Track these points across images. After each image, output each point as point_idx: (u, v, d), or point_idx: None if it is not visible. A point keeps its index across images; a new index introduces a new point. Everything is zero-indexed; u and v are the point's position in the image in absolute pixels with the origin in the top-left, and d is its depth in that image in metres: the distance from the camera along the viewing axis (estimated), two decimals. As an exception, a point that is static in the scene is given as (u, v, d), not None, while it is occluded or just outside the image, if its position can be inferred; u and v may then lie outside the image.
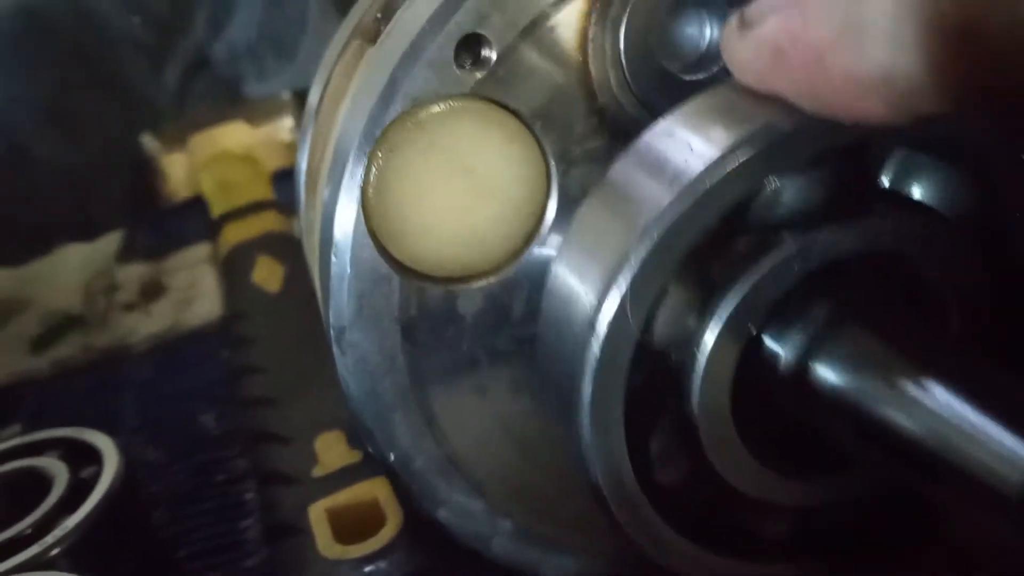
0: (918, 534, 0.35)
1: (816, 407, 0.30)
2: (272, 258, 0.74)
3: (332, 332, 0.34)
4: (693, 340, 0.30)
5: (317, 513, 0.45)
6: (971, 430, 0.26)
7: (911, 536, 0.35)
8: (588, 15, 0.34)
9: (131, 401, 0.69)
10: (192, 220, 0.94)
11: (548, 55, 0.34)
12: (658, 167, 0.30)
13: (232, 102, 1.12)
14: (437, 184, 0.33)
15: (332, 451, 0.50)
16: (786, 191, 0.29)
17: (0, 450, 0.50)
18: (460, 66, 0.33)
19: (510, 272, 0.35)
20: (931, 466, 0.27)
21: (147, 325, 0.79)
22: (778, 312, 0.30)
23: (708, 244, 0.30)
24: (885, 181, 0.32)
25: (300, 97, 1.03)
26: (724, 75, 0.31)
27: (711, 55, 0.35)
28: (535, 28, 0.33)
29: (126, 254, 0.92)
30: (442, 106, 0.33)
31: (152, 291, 0.85)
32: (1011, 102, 0.23)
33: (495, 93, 0.33)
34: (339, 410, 0.45)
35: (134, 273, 0.89)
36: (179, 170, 1.01)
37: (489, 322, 0.35)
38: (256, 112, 1.04)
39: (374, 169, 0.33)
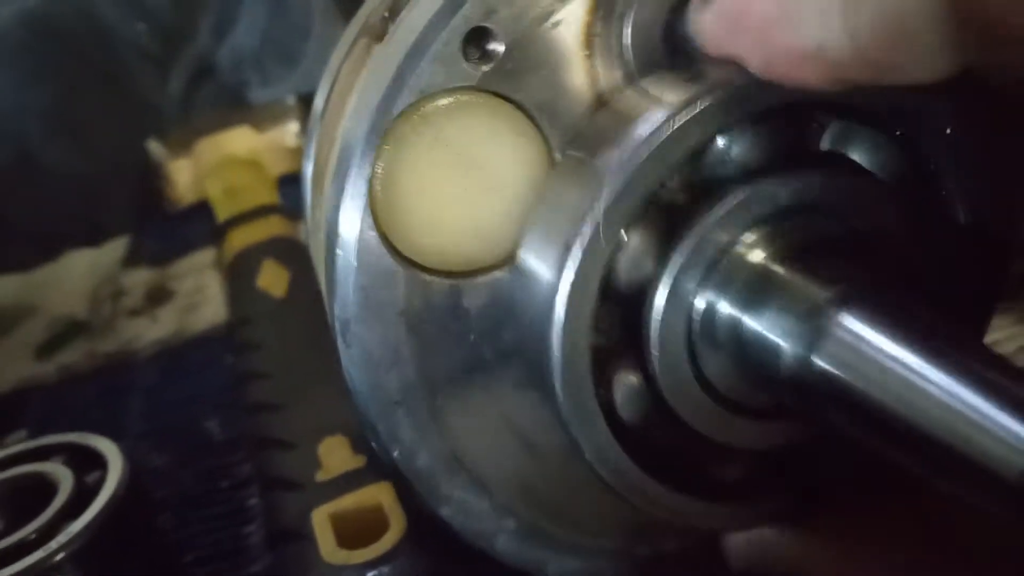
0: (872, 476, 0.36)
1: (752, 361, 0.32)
2: (277, 263, 0.74)
3: (337, 325, 0.34)
4: (651, 285, 0.32)
5: (320, 518, 0.45)
6: (962, 409, 0.26)
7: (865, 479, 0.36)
8: (594, 10, 0.34)
9: (136, 407, 0.69)
10: (198, 225, 0.94)
11: (554, 49, 0.34)
12: (629, 117, 0.32)
13: (237, 108, 1.12)
14: (443, 178, 0.33)
15: (335, 456, 0.50)
16: (735, 148, 0.32)
17: (5, 455, 0.50)
18: (467, 59, 0.33)
19: (516, 267, 0.35)
20: (898, 433, 0.28)
21: (152, 331, 0.79)
22: (723, 262, 0.32)
23: (666, 192, 0.32)
24: (825, 145, 0.35)
25: (305, 102, 1.03)
26: None
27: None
28: (542, 22, 0.33)
29: (132, 259, 0.93)
30: (449, 100, 0.33)
31: (158, 296, 0.85)
32: (916, 78, 0.27)
33: (501, 87, 0.33)
34: (343, 415, 0.45)
35: (140, 279, 0.89)
36: (185, 176, 1.02)
37: (495, 317, 0.35)
38: (261, 117, 1.05)
39: (380, 163, 0.33)
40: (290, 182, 0.92)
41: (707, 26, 0.32)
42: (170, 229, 0.99)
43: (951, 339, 0.28)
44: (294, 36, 1.12)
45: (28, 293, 0.88)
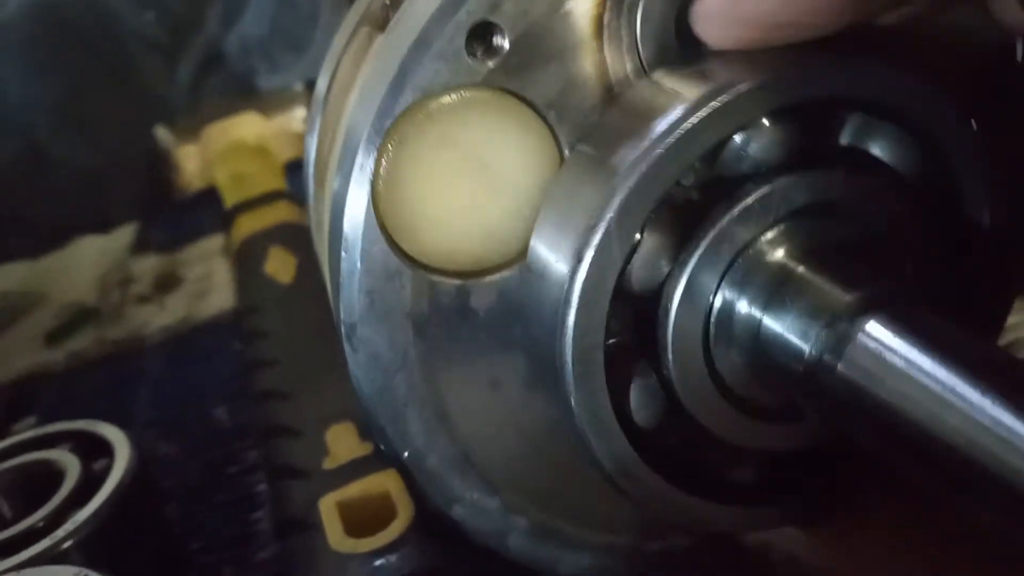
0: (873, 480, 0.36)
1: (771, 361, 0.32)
2: (285, 249, 0.74)
3: (343, 328, 0.34)
4: (667, 285, 0.32)
5: (328, 506, 0.45)
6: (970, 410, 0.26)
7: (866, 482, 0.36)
8: (603, 1, 0.33)
9: (144, 394, 0.69)
10: (206, 212, 0.94)
11: (562, 43, 0.33)
12: (644, 112, 0.31)
13: (245, 96, 1.12)
14: (449, 177, 0.33)
15: (343, 443, 0.49)
16: (752, 144, 0.31)
17: (12, 443, 0.50)
18: (471, 55, 0.32)
19: (526, 266, 0.34)
20: (914, 440, 0.27)
21: (160, 317, 0.79)
22: (741, 262, 0.32)
23: (681, 190, 0.32)
24: (845, 140, 0.34)
25: (312, 88, 1.03)
26: None
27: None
28: (549, 15, 0.33)
29: (140, 246, 0.93)
30: (453, 97, 0.32)
31: (166, 283, 0.85)
32: None
33: (508, 83, 0.33)
34: (350, 402, 0.45)
35: (148, 265, 0.89)
36: (193, 162, 1.02)
37: (503, 317, 0.35)
38: (269, 103, 1.04)
39: (384, 162, 0.32)
40: (297, 168, 0.91)
41: (708, 7, 0.31)
42: (178, 215, 0.99)
43: (980, 352, 0.28)
44: (302, 23, 1.12)
45: (37, 280, 0.88)
